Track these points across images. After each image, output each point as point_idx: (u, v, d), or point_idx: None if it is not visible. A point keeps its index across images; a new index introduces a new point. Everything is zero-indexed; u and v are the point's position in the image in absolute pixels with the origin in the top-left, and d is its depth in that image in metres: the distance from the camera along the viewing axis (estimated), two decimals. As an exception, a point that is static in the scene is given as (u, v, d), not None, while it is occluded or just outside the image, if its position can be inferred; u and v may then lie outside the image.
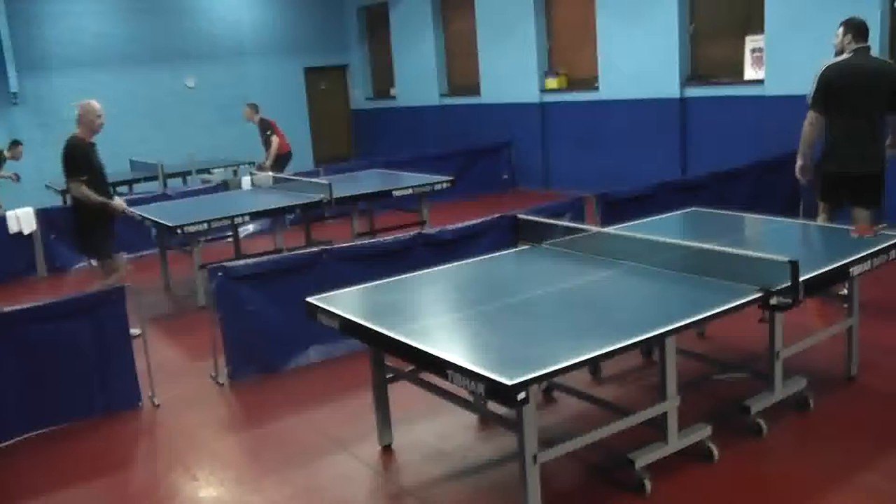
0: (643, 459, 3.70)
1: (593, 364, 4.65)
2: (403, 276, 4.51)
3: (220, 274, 5.40)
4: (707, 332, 5.46)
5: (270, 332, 5.57)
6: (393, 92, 16.01)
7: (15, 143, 11.55)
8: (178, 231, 6.84)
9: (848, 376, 4.73)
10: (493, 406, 3.78)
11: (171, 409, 5.16)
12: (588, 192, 7.33)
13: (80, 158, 6.35)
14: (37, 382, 4.85)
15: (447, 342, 3.53)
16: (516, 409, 3.17)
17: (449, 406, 4.12)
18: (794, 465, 3.87)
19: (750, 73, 9.54)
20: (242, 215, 7.41)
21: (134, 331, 5.24)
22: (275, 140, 11.18)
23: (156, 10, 14.95)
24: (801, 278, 3.66)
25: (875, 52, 7.95)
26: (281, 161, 11.37)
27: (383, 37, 16.12)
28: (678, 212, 5.72)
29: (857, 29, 5.81)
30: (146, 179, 11.96)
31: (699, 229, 5.42)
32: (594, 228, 5.08)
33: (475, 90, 13.67)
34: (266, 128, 11.28)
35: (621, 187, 7.48)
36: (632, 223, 5.27)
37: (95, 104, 6.53)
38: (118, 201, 6.68)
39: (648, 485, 3.66)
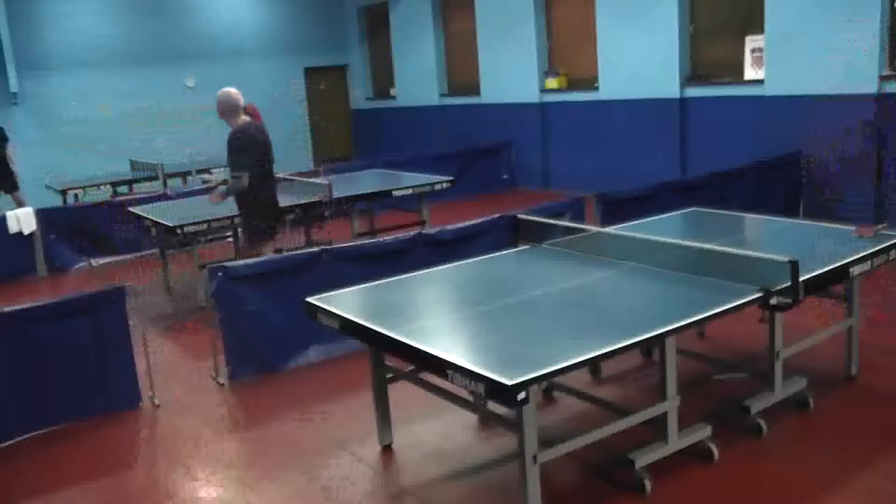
0: (643, 459, 3.70)
1: (593, 364, 4.65)
2: (403, 276, 4.51)
3: (220, 274, 5.40)
4: (707, 332, 5.46)
5: (270, 332, 5.57)
6: (393, 92, 16.01)
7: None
8: (178, 231, 6.84)
9: (848, 376, 4.73)
10: (493, 406, 3.78)
11: (171, 409, 5.16)
12: (588, 192, 7.33)
13: None
14: (37, 382, 4.85)
15: (447, 342, 3.53)
16: (516, 409, 3.16)
17: (449, 406, 4.12)
18: (794, 465, 3.87)
19: (750, 73, 9.54)
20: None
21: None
22: None
23: (156, 10, 14.95)
24: (801, 278, 3.66)
25: (875, 54, 8.02)
26: None
27: (383, 37, 16.12)
28: (678, 212, 5.72)
29: None
30: (147, 179, 11.97)
31: (699, 229, 5.42)
32: (594, 228, 5.08)
33: (475, 90, 13.66)
34: None
35: (621, 187, 7.47)
36: (632, 223, 5.27)
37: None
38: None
39: (648, 485, 3.66)
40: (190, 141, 14.15)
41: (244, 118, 6.22)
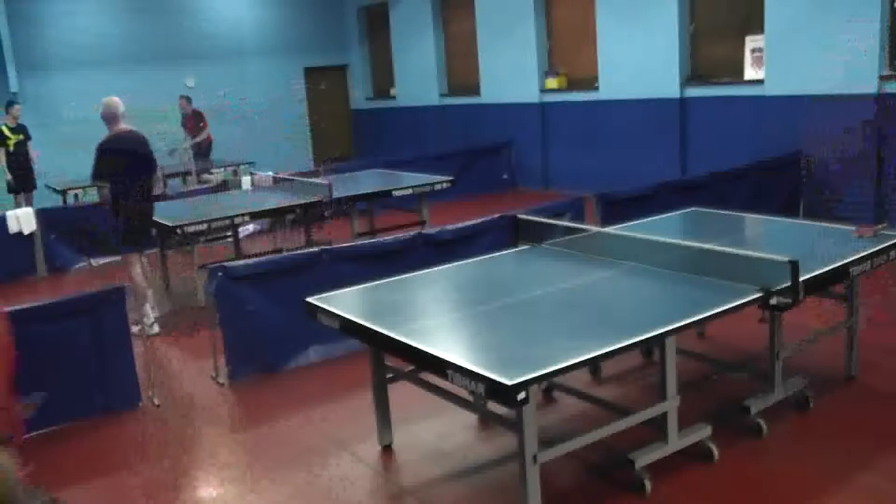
0: (643, 459, 3.71)
1: (593, 364, 4.65)
2: (403, 276, 4.51)
3: (220, 274, 5.40)
4: (707, 332, 5.46)
5: (270, 332, 5.57)
6: (393, 92, 16.01)
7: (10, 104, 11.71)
8: (178, 231, 6.84)
9: (848, 376, 4.73)
10: (493, 406, 3.78)
11: (171, 409, 5.16)
12: (588, 192, 7.33)
13: None
14: (37, 382, 4.84)
15: (447, 342, 3.53)
16: (516, 409, 3.17)
17: (449, 406, 4.12)
18: (794, 465, 3.87)
19: (750, 73, 9.54)
20: (242, 215, 7.41)
21: (136, 328, 5.25)
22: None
23: (155, 10, 14.93)
24: (801, 278, 3.67)
25: (875, 54, 8.03)
26: (207, 149, 12.87)
27: (383, 37, 16.12)
28: (678, 212, 5.72)
29: None
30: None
31: (699, 229, 5.42)
32: (594, 228, 5.09)
33: (475, 90, 13.66)
34: (200, 118, 12.75)
35: (621, 187, 7.47)
36: (632, 223, 5.27)
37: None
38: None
39: (648, 485, 3.66)
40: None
41: (121, 127, 6.46)
